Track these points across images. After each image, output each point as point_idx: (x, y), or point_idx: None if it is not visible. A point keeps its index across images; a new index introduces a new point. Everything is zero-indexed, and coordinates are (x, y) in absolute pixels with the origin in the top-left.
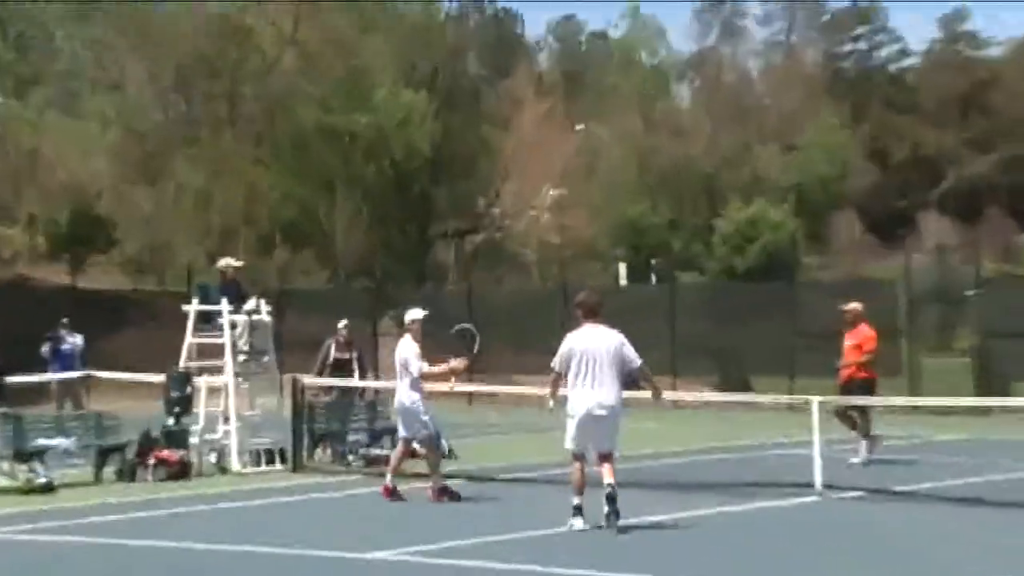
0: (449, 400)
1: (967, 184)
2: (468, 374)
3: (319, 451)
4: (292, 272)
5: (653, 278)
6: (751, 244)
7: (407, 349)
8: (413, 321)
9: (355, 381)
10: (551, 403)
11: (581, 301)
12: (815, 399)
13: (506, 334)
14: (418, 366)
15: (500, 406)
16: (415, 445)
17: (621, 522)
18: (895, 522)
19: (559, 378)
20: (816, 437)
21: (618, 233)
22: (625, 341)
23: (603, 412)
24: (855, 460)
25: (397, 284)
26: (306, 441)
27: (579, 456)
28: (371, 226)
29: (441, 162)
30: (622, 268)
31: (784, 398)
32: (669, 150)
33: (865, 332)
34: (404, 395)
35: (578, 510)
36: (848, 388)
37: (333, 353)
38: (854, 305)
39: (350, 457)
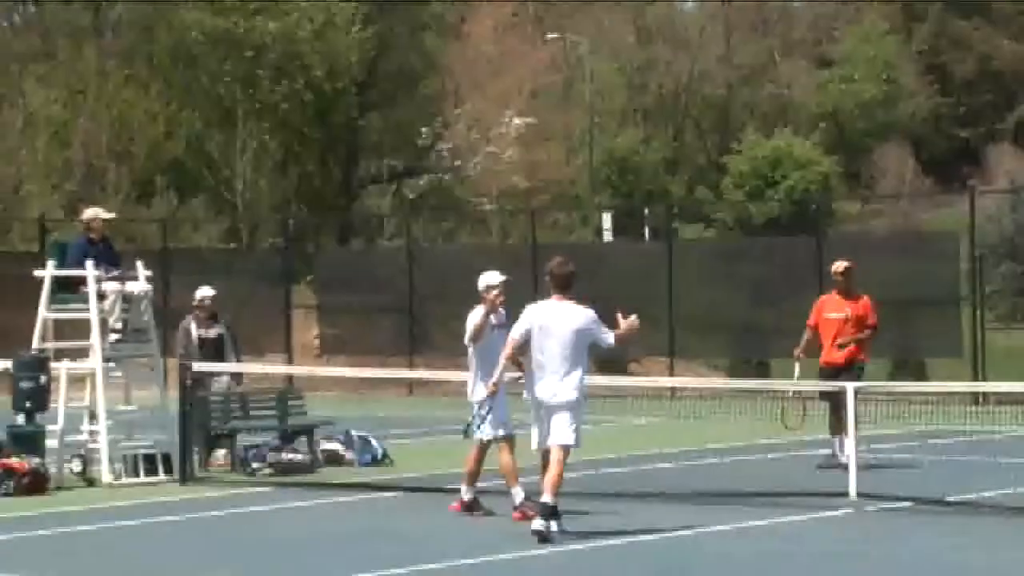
0: (384, 389)
1: None
2: (408, 356)
3: (219, 455)
4: (179, 226)
5: (647, 232)
6: (773, 188)
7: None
8: (488, 288)
9: (231, 365)
10: (496, 378)
11: (550, 269)
12: (849, 386)
13: (457, 307)
14: (469, 334)
15: (450, 397)
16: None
17: (616, 539)
18: (947, 541)
19: (517, 347)
20: (851, 431)
21: (603, 175)
22: (595, 322)
23: (555, 401)
24: (843, 459)
25: (316, 241)
26: (198, 444)
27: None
28: (282, 166)
29: (374, 82)
30: (607, 219)
31: (810, 385)
32: (668, 67)
33: (866, 301)
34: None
35: (551, 511)
36: (835, 373)
37: (195, 331)
38: (848, 264)
39: (255, 464)
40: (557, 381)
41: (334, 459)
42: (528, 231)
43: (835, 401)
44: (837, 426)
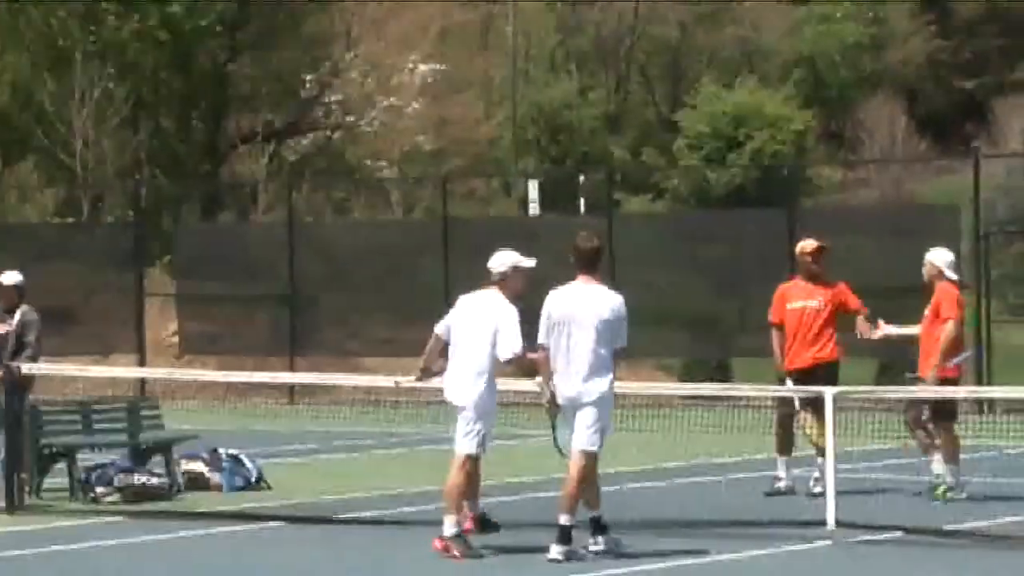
0: (259, 397)
1: None
2: (288, 356)
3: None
4: (3, 196)
5: (582, 204)
6: (736, 151)
7: (505, 312)
8: (515, 269)
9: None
10: (548, 394)
11: (575, 245)
12: (828, 391)
13: (349, 294)
14: (517, 343)
15: (340, 406)
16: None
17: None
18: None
19: (547, 357)
20: (830, 449)
21: (529, 134)
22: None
23: (580, 399)
24: (818, 489)
25: (175, 215)
26: (29, 465)
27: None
28: (131, 122)
29: (246, 19)
30: (533, 188)
31: (778, 390)
32: (608, 3)
33: (844, 287)
34: (482, 383)
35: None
36: (811, 375)
37: None
38: (821, 244)
39: (99, 489)
40: (584, 376)
41: (198, 483)
42: (437, 203)
43: (790, 412)
44: (784, 444)
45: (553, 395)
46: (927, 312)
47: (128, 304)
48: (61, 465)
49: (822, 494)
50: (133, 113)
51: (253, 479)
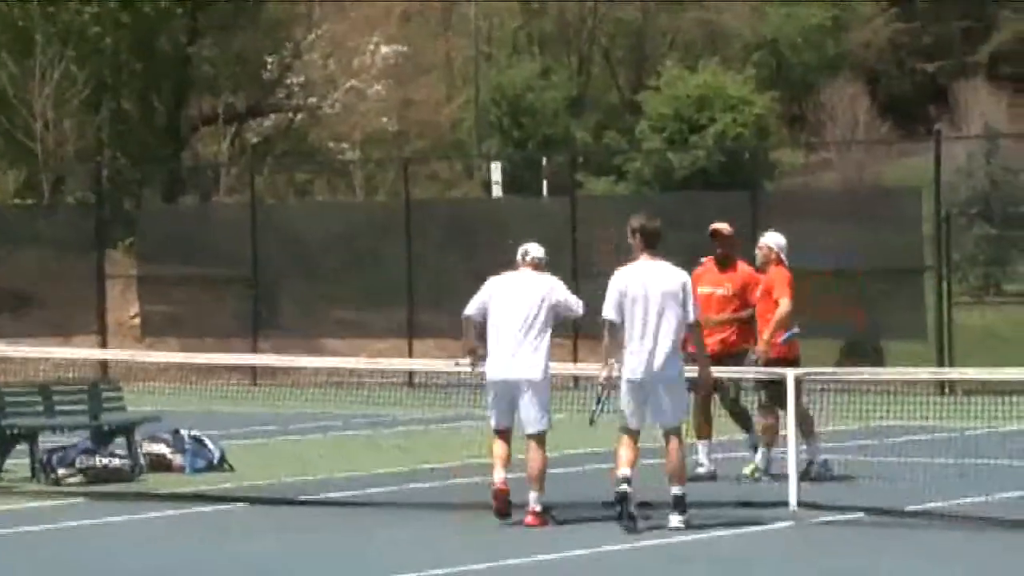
0: (222, 379)
1: None
2: (251, 338)
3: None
4: None
5: (544, 187)
6: (698, 133)
7: (557, 288)
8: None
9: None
10: (608, 371)
11: (640, 225)
12: (790, 373)
13: (311, 277)
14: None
15: (303, 388)
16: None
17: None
18: (906, 560)
19: (617, 332)
20: (792, 430)
21: (491, 116)
22: (688, 283)
23: (649, 377)
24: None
25: (137, 197)
26: None
27: (632, 432)
28: (93, 104)
29: (207, 2)
30: (496, 170)
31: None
32: None
33: (749, 271)
34: (541, 359)
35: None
36: (718, 363)
37: None
38: (726, 227)
39: (61, 471)
40: (659, 352)
41: (160, 464)
42: (400, 185)
43: (709, 394)
44: (705, 427)
45: (610, 373)
46: (758, 294)
47: (90, 286)
48: (22, 447)
49: (759, 479)
50: (94, 95)
51: (215, 461)
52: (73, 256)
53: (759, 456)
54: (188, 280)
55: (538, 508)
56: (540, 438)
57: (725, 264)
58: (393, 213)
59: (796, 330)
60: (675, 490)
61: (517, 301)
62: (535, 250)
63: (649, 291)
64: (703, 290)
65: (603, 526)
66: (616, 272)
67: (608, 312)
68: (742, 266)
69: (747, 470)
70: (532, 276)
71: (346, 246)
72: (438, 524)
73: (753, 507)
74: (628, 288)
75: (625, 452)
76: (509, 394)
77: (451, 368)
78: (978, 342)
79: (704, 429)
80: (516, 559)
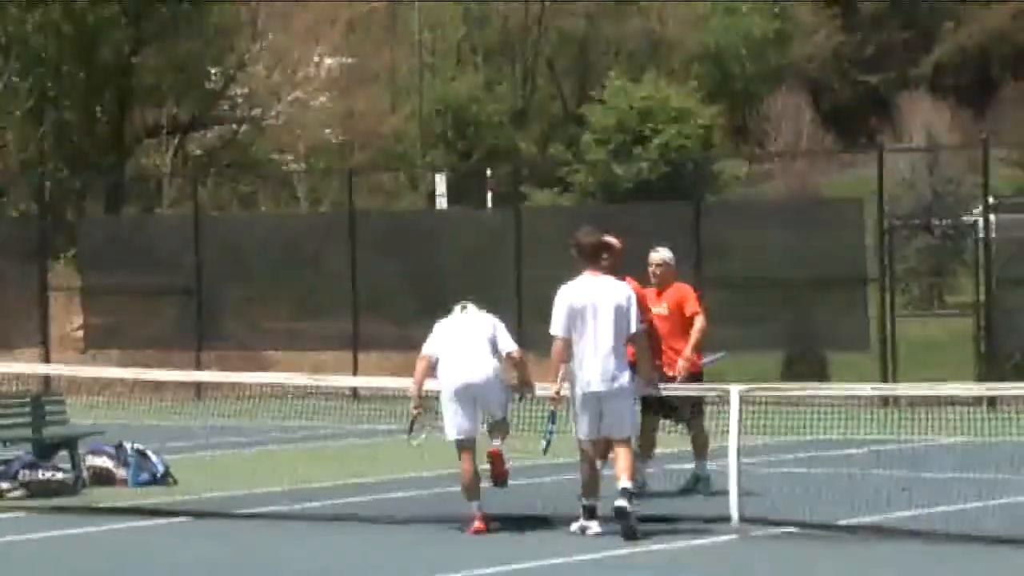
0: (165, 392)
1: (974, 48)
2: (195, 350)
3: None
4: None
5: (489, 198)
6: (642, 145)
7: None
8: None
9: None
10: (559, 387)
11: (577, 240)
12: (734, 388)
13: (255, 288)
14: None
15: (245, 401)
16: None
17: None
18: (848, 572)
19: (567, 348)
20: (733, 443)
21: (435, 128)
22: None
23: (615, 387)
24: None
25: (79, 208)
26: None
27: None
28: (35, 114)
29: (150, 10)
30: (441, 182)
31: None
32: None
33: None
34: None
35: (591, 512)
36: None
37: None
38: (663, 255)
39: (4, 485)
40: (613, 363)
41: (103, 478)
42: (344, 196)
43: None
44: (649, 445)
45: (559, 389)
46: (662, 311)
47: (31, 299)
48: None
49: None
50: (37, 105)
51: (159, 474)
52: (15, 268)
53: (699, 469)
54: (131, 291)
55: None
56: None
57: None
58: (337, 224)
59: (721, 354)
60: (624, 483)
61: (466, 338)
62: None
63: (598, 305)
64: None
65: (550, 537)
66: (561, 289)
67: (556, 329)
68: (630, 281)
69: (697, 483)
70: (475, 316)
71: (290, 257)
72: (381, 536)
73: (695, 520)
74: (575, 303)
75: (623, 460)
76: (471, 399)
77: (396, 384)
78: (921, 353)
79: (649, 446)
80: (456, 572)
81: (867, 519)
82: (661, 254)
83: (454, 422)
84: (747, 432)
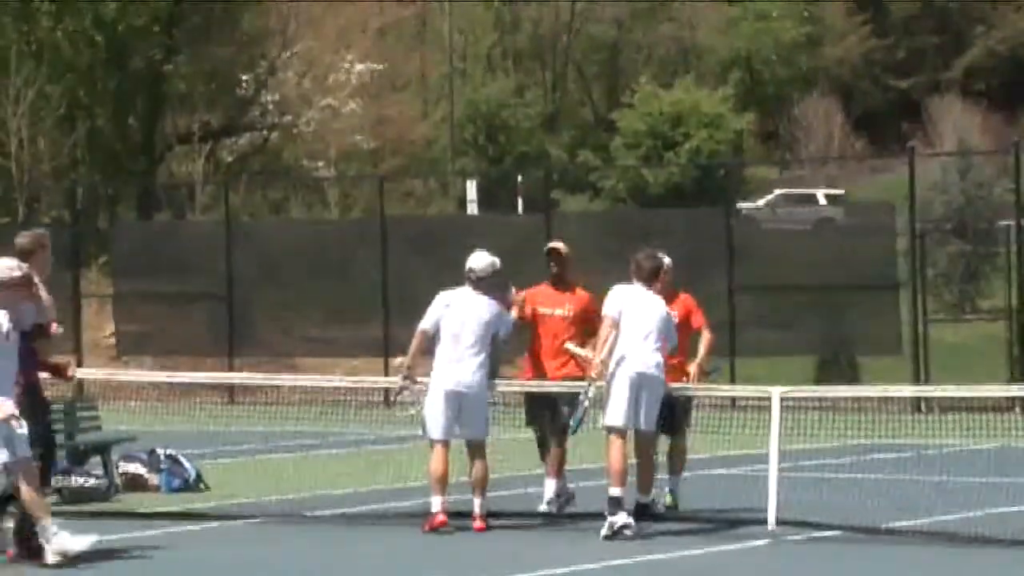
0: (198, 397)
1: (1005, 52)
2: (227, 356)
3: None
4: None
5: (520, 203)
6: (673, 150)
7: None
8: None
9: None
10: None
11: (637, 262)
12: (775, 391)
13: (287, 294)
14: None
15: (280, 406)
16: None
17: None
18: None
19: (612, 327)
20: (774, 448)
21: (467, 133)
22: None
23: (649, 375)
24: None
25: (111, 215)
26: None
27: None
28: (67, 122)
29: (181, 17)
30: (471, 188)
31: (720, 390)
32: (544, 0)
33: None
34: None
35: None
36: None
37: None
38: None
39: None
40: (651, 352)
41: (136, 483)
42: (375, 202)
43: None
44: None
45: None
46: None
47: (65, 305)
48: None
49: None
50: (69, 113)
51: (191, 480)
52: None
53: (672, 484)
54: (163, 298)
55: (482, 513)
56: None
57: (563, 285)
58: (368, 230)
59: (718, 369)
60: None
61: (463, 320)
62: (476, 262)
63: (645, 310)
64: (542, 310)
65: (581, 541)
66: (617, 287)
67: (610, 311)
68: (579, 291)
69: (668, 499)
70: (473, 296)
71: (321, 263)
72: (417, 540)
73: (726, 525)
74: (623, 300)
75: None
76: (456, 404)
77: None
78: (953, 358)
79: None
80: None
81: (904, 523)
82: (666, 261)
83: (438, 422)
84: (787, 435)
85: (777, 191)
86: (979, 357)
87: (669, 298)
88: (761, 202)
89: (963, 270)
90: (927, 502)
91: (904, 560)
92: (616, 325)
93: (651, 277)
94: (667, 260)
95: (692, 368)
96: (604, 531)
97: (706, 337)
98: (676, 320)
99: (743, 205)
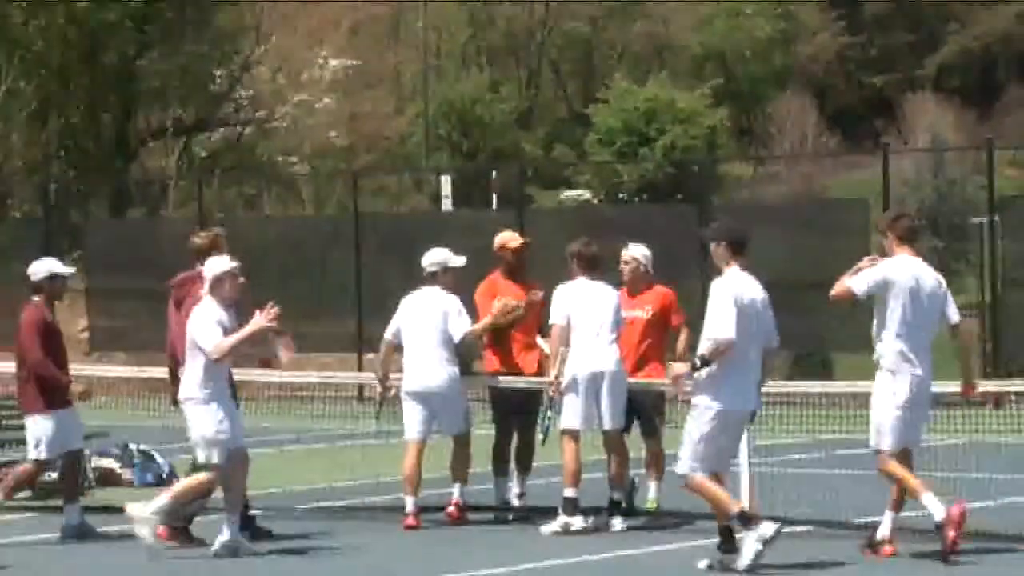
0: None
1: (979, 50)
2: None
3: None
4: None
5: (494, 200)
6: (647, 146)
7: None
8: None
9: None
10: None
11: (577, 251)
12: None
13: (260, 290)
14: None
15: (257, 401)
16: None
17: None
18: (855, 569)
19: (560, 333)
20: (744, 446)
21: (441, 130)
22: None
23: (615, 369)
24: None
25: (84, 210)
26: None
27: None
28: (40, 117)
29: (154, 13)
30: (446, 184)
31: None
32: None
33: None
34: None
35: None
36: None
37: None
38: (634, 252)
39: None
40: (606, 345)
41: (109, 479)
42: (349, 199)
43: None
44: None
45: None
46: (641, 315)
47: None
48: None
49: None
50: (41, 108)
51: (164, 475)
52: (19, 270)
53: (652, 489)
54: (136, 294)
55: (457, 500)
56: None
57: (516, 275)
58: (342, 227)
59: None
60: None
61: (420, 320)
62: (424, 259)
63: (598, 303)
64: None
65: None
66: (561, 287)
67: (559, 317)
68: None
69: (650, 505)
70: (428, 294)
71: (294, 260)
72: (391, 536)
73: (700, 518)
74: (575, 301)
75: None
76: (428, 403)
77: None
78: None
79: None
80: (489, 569)
81: (875, 518)
82: (632, 251)
83: (410, 421)
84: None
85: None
86: (952, 353)
87: (642, 290)
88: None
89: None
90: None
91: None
92: (565, 331)
93: (592, 265)
94: (635, 251)
95: (676, 365)
96: (554, 527)
97: (682, 337)
98: (649, 314)
99: (569, 193)
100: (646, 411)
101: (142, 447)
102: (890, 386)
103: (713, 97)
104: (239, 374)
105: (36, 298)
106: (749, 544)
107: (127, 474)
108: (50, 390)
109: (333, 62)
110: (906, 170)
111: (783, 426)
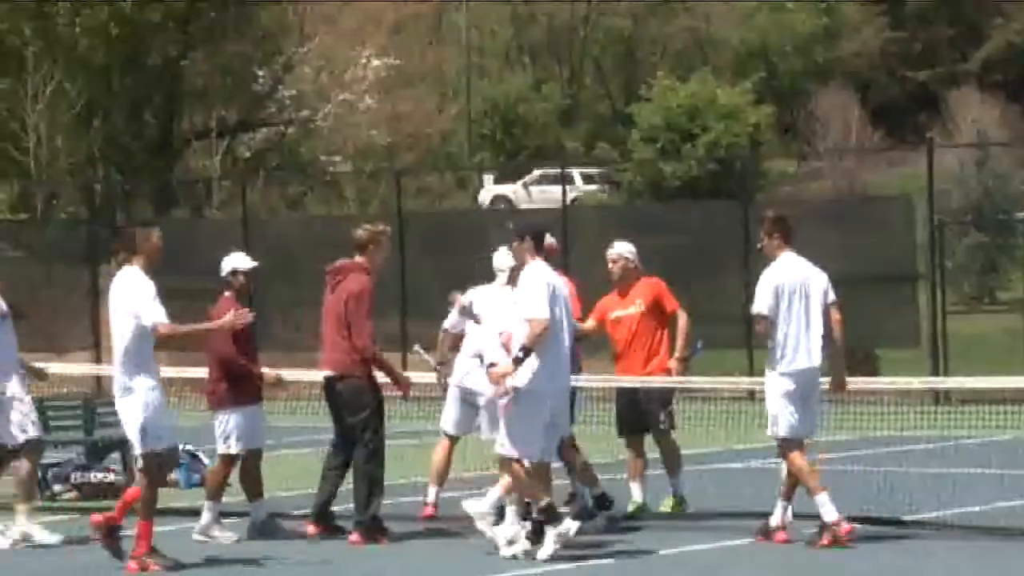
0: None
1: (1022, 44)
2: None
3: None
4: None
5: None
6: (690, 143)
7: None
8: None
9: None
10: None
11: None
12: None
13: (304, 290)
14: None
15: (300, 401)
16: None
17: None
18: (904, 566)
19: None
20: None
21: (483, 128)
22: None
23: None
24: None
25: (128, 211)
26: None
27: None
28: (84, 119)
29: (197, 13)
30: (489, 182)
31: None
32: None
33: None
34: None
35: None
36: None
37: None
38: (625, 248)
39: (56, 487)
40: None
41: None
42: (392, 197)
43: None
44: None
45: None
46: (635, 312)
47: (82, 301)
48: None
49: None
50: (86, 110)
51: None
52: (66, 271)
53: (678, 488)
54: (179, 294)
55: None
56: None
57: (626, 283)
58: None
59: (700, 346)
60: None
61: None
62: (498, 262)
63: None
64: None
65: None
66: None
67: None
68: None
69: (666, 506)
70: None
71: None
72: (431, 537)
73: (748, 517)
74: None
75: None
76: (471, 402)
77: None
78: (972, 351)
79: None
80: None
81: (920, 516)
82: (618, 249)
83: (450, 416)
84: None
85: (537, 171)
86: (998, 349)
87: (632, 285)
88: (519, 183)
89: (981, 262)
90: (944, 494)
91: (919, 553)
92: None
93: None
94: (620, 249)
95: (672, 363)
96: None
97: (682, 323)
98: (643, 308)
99: (495, 188)
100: (654, 412)
101: (188, 448)
102: (783, 380)
103: (755, 93)
104: (289, 374)
105: (228, 293)
106: (550, 538)
107: (173, 475)
108: (242, 385)
109: (375, 61)
110: (950, 165)
111: (828, 423)
